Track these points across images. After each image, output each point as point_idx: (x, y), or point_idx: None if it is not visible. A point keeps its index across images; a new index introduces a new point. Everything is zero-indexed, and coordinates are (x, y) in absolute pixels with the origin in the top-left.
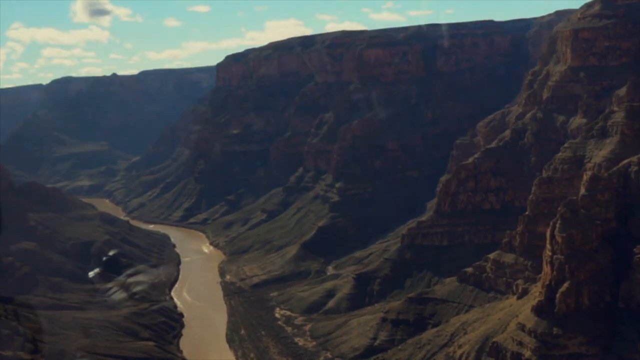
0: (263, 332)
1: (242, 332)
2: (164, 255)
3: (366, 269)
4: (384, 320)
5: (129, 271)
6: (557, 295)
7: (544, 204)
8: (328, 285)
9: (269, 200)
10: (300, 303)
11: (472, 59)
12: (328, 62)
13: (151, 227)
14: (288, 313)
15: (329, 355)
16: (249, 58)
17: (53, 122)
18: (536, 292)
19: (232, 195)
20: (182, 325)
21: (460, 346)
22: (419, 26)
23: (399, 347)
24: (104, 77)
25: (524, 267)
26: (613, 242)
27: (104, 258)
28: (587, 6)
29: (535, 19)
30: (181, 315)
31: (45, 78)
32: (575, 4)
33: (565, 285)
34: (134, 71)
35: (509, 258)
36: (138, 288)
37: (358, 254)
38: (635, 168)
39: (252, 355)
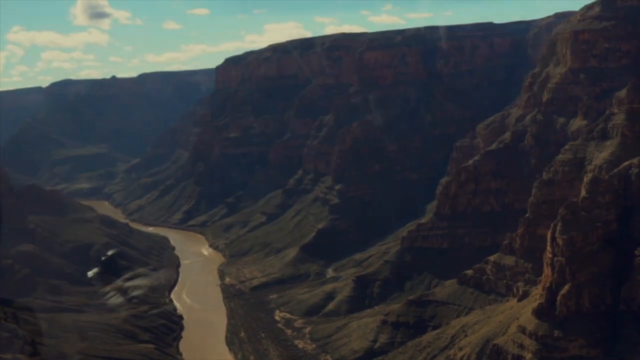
0: (263, 335)
1: (242, 334)
2: (164, 258)
3: (366, 272)
4: (384, 322)
5: (127, 275)
6: (558, 298)
7: (545, 206)
8: (328, 287)
9: (269, 203)
10: (300, 305)
11: (471, 61)
12: (327, 65)
13: (150, 229)
14: (288, 315)
15: (329, 357)
16: (248, 61)
17: (52, 125)
18: (537, 295)
19: (231, 197)
20: (181, 328)
21: (460, 349)
22: (418, 29)
23: (399, 349)
24: (104, 80)
25: (524, 269)
26: (614, 244)
27: (103, 258)
28: (587, 8)
29: (534, 21)
30: (181, 317)
31: (44, 81)
32: (575, 6)
33: (566, 287)
34: (134, 74)
35: (509, 260)
36: (136, 292)
37: (358, 256)
38: (636, 170)
39: (252, 357)
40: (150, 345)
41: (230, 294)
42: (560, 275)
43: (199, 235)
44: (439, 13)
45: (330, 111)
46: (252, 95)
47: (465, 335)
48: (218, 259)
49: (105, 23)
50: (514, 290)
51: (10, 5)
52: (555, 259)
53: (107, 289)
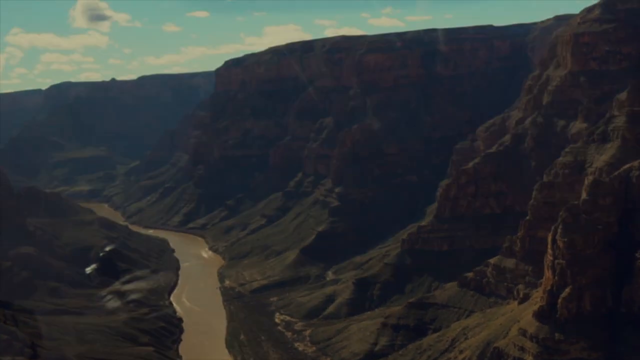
0: (263, 338)
1: (242, 337)
2: (163, 261)
3: (366, 274)
4: (384, 325)
5: (127, 277)
6: (559, 300)
7: (545, 209)
8: (328, 290)
9: (269, 205)
10: (300, 308)
11: (471, 64)
12: (327, 68)
13: (150, 232)
14: (288, 318)
15: None
16: (248, 63)
17: (52, 127)
18: (537, 297)
19: (231, 200)
20: (181, 331)
21: (461, 351)
22: (418, 31)
23: (400, 352)
24: (103, 82)
25: (524, 272)
26: (615, 247)
27: (101, 254)
28: (587, 11)
29: (534, 23)
30: (180, 320)
31: (44, 83)
32: (575, 8)
33: (567, 290)
34: (133, 76)
35: (509, 263)
36: (135, 295)
37: (358, 259)
38: (637, 173)
39: None
40: (150, 348)
41: (230, 297)
42: (561, 277)
43: (199, 238)
44: (438, 16)
45: (330, 114)
46: (251, 98)
47: (466, 338)
48: (218, 261)
49: (105, 25)
50: (515, 292)
51: (10, 7)
52: (556, 261)
53: (107, 291)
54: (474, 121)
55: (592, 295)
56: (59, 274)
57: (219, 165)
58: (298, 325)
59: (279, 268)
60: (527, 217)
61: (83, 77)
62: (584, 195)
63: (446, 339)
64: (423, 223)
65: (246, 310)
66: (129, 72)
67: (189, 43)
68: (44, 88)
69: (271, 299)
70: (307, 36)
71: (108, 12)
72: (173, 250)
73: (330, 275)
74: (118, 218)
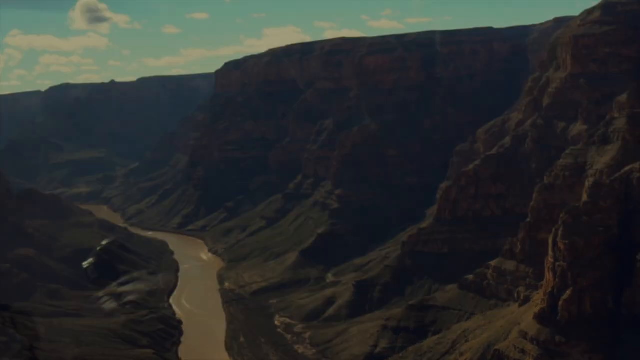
0: (262, 340)
1: (242, 339)
2: (163, 263)
3: (366, 276)
4: (384, 327)
5: (126, 279)
6: (560, 303)
7: (545, 211)
8: (328, 292)
9: (268, 207)
10: (299, 310)
11: (471, 66)
12: (327, 69)
13: (149, 234)
14: (288, 320)
15: None
16: (247, 65)
17: (51, 129)
18: (538, 300)
19: (230, 202)
20: (181, 333)
21: (462, 354)
22: (418, 33)
23: (400, 354)
24: (102, 84)
25: (525, 274)
26: (616, 249)
27: (98, 248)
28: (587, 13)
29: (534, 25)
30: (180, 322)
31: (43, 85)
32: (575, 10)
33: (568, 292)
34: (132, 78)
35: (510, 265)
36: (134, 297)
37: (358, 261)
38: (638, 174)
39: None
40: (149, 350)
41: (229, 299)
42: (562, 280)
43: (198, 240)
44: (438, 18)
45: (330, 116)
46: (251, 100)
47: (467, 341)
48: (217, 263)
49: (104, 27)
50: (515, 295)
51: (9, 9)
52: (557, 263)
53: (106, 293)
54: (474, 123)
55: (593, 298)
56: (57, 276)
57: (218, 167)
58: (298, 328)
59: (278, 270)
60: (528, 219)
61: (82, 79)
62: (584, 198)
63: (447, 341)
64: (423, 225)
65: (246, 313)
66: (128, 74)
67: (189, 45)
68: (43, 90)
69: (271, 301)
70: (307, 38)
71: (107, 14)
72: (172, 253)
73: (330, 278)
74: (117, 220)
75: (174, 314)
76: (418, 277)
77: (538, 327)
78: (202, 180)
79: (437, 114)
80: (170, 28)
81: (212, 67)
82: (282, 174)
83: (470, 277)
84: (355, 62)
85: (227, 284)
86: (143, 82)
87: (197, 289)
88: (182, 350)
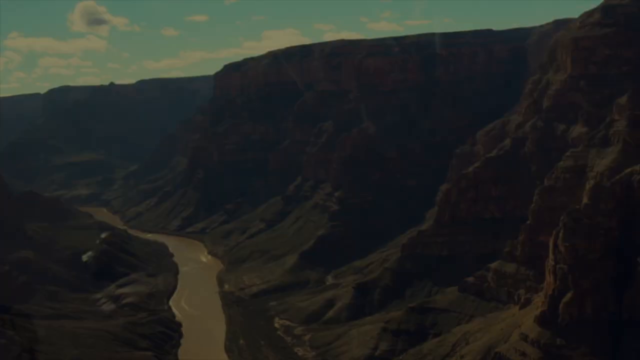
0: (262, 342)
1: (241, 342)
2: (162, 265)
3: (366, 279)
4: (384, 330)
5: (125, 281)
6: (561, 305)
7: (546, 213)
8: (327, 294)
9: (268, 210)
10: (299, 313)
11: (471, 68)
12: (327, 72)
13: (149, 236)
14: (287, 323)
15: None
16: (247, 67)
17: (50, 131)
18: (539, 302)
19: (230, 204)
20: (180, 335)
21: (462, 357)
22: (418, 35)
23: (400, 357)
24: (102, 87)
25: (525, 276)
26: (616, 252)
27: (97, 241)
28: (587, 15)
29: (534, 28)
30: (179, 325)
31: (42, 87)
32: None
33: (569, 295)
34: (132, 80)
35: (510, 268)
36: (133, 299)
37: (358, 263)
38: (638, 177)
39: None
40: (149, 353)
41: (229, 301)
42: (563, 282)
43: (198, 242)
44: (437, 20)
45: (329, 118)
46: (251, 102)
47: (467, 343)
48: (217, 265)
49: (104, 29)
50: (516, 297)
51: (8, 12)
52: (558, 266)
53: (106, 295)
54: (473, 125)
55: (593, 300)
56: (57, 278)
57: (218, 170)
58: (298, 330)
59: (278, 272)
60: (528, 222)
61: (82, 81)
62: (585, 200)
63: (447, 344)
64: (423, 228)
65: (245, 315)
66: (127, 76)
67: (188, 47)
68: (42, 92)
69: (270, 304)
70: (306, 40)
71: (106, 16)
72: (172, 255)
73: (330, 280)
74: (117, 222)
75: (174, 316)
76: (418, 280)
77: (539, 329)
78: (202, 182)
79: (436, 116)
80: (169, 30)
81: (212, 70)
82: (282, 176)
83: (471, 279)
84: (354, 64)
85: (226, 286)
86: (142, 84)
87: (197, 291)
88: (181, 353)
